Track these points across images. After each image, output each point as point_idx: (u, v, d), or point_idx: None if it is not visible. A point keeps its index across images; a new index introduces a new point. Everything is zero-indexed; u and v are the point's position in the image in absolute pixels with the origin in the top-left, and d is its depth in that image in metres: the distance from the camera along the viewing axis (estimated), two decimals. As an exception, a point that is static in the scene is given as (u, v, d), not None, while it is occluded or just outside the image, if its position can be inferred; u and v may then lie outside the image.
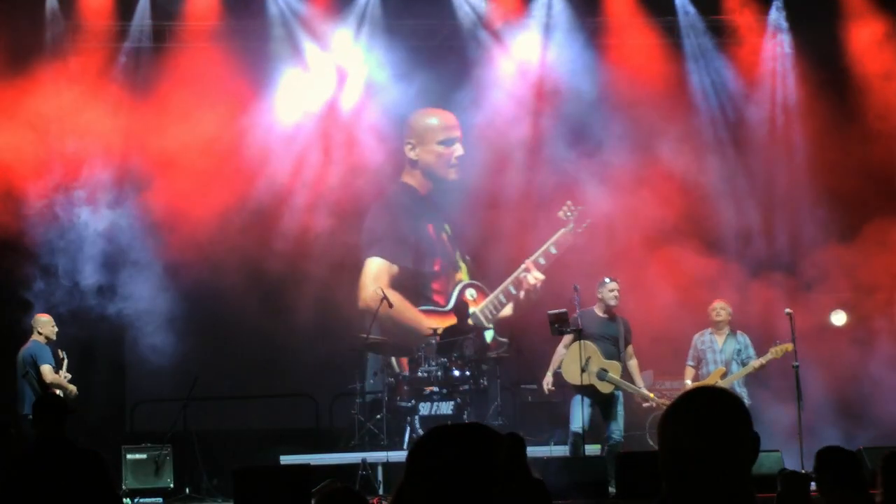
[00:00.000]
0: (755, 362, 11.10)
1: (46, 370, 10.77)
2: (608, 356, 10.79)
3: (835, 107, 13.34)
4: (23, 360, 10.83)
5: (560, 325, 10.83)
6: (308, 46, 13.80)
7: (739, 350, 11.28)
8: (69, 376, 10.95)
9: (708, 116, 14.05)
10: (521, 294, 14.18)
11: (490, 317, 14.23)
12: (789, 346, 11.00)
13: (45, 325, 11.05)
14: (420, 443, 2.41)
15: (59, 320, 11.49)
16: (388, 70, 13.67)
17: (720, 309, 11.39)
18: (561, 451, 11.12)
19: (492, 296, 14.26)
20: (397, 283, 14.22)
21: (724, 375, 11.11)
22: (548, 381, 11.11)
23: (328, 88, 13.88)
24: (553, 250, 14.16)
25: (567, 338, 11.01)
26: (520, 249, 14.13)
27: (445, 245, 14.45)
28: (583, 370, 10.65)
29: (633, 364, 11.08)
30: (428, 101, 13.94)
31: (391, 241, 14.31)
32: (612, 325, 10.93)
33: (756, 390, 11.52)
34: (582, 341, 10.76)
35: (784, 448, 10.68)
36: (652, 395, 11.25)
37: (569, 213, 14.10)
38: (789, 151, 13.97)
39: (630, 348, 11.10)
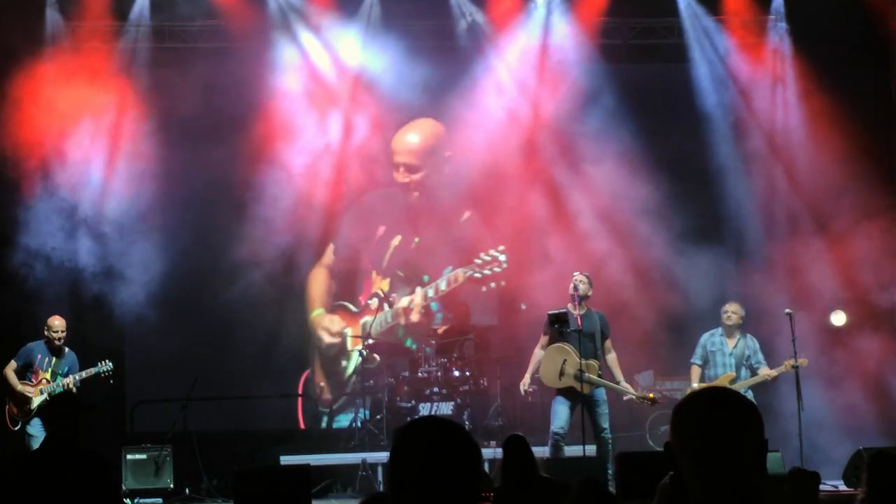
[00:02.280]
0: (767, 372, 11.05)
1: (9, 364, 11.03)
2: (587, 354, 10.64)
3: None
4: None
5: (560, 325, 10.80)
6: (308, 43, 13.80)
7: (749, 355, 11.24)
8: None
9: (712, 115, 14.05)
10: (402, 320, 13.87)
11: (372, 332, 13.85)
12: (804, 362, 10.97)
13: (48, 327, 11.13)
14: (401, 437, 2.42)
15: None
16: (388, 68, 13.63)
17: (731, 312, 11.32)
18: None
19: (381, 314, 13.88)
20: (332, 272, 14.05)
21: (732, 381, 11.05)
22: (525, 383, 11.08)
23: (329, 85, 13.90)
24: (443, 287, 13.90)
25: (544, 339, 10.97)
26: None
27: (389, 251, 14.15)
28: (561, 374, 10.64)
29: (611, 358, 11.00)
30: (426, 99, 13.90)
31: (347, 233, 14.11)
32: (587, 321, 10.84)
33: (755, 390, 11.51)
34: (558, 343, 10.74)
35: (784, 448, 10.70)
36: (634, 390, 11.22)
37: (487, 259, 13.68)
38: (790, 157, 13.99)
39: (608, 342, 11.02)
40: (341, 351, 13.96)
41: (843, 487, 10.49)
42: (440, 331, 13.59)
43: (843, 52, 13.47)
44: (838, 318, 13.20)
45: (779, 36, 14.08)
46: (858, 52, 13.59)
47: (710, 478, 2.40)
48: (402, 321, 13.82)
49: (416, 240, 14.10)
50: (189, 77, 13.06)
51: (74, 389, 10.91)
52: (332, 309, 14.03)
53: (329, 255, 14.06)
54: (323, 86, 13.87)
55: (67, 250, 12.87)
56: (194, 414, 11.94)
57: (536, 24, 14.03)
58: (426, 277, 13.97)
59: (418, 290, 13.90)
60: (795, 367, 11.02)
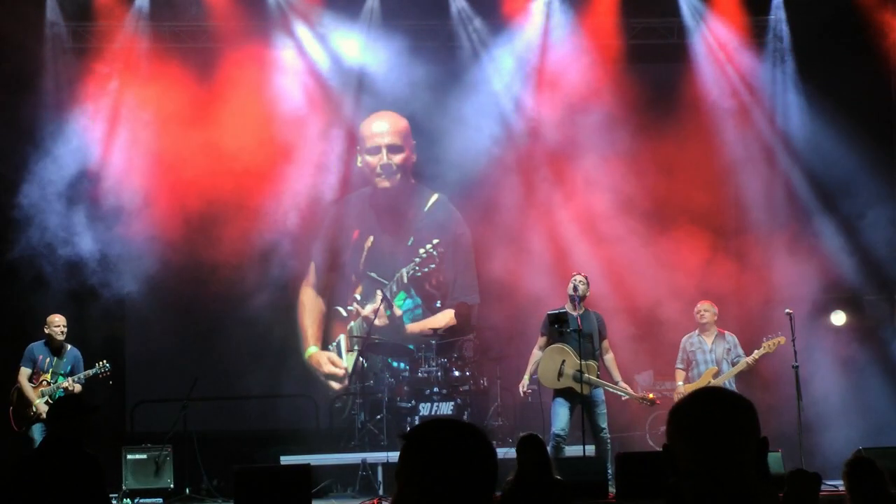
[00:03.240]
0: (747, 358, 11.10)
1: (21, 373, 10.95)
2: (585, 354, 10.64)
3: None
4: None
5: (560, 325, 10.79)
6: (308, 42, 13.81)
7: (729, 349, 11.27)
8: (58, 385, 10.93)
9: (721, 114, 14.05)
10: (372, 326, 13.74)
11: (353, 341, 13.91)
12: (782, 340, 10.99)
13: (48, 324, 11.08)
14: (416, 436, 2.39)
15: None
16: (388, 67, 13.64)
17: (704, 311, 11.36)
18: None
19: (358, 320, 14.00)
20: (319, 288, 14.06)
21: (716, 375, 11.09)
22: (524, 385, 11.06)
23: (328, 84, 13.91)
24: (394, 288, 13.94)
25: (542, 340, 10.98)
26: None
27: (363, 254, 14.16)
28: (560, 375, 10.64)
29: (609, 359, 11.02)
30: (424, 98, 13.90)
31: (324, 242, 14.11)
32: (586, 322, 10.83)
33: (755, 390, 11.51)
34: (557, 344, 10.74)
35: (784, 448, 10.69)
36: (632, 391, 11.20)
37: (424, 256, 13.91)
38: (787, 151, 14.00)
39: (605, 343, 11.03)
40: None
41: (842, 488, 10.46)
42: (434, 328, 13.60)
43: (842, 48, 13.47)
44: (838, 318, 13.20)
45: (779, 34, 14.08)
46: (855, 49, 13.57)
47: (708, 477, 2.40)
48: (373, 327, 13.71)
49: (387, 238, 14.16)
50: (188, 75, 13.08)
51: (76, 389, 10.89)
52: (325, 332, 14.05)
53: (311, 274, 14.06)
54: (322, 85, 13.88)
55: (67, 246, 12.83)
56: (194, 414, 11.94)
57: (537, 25, 14.03)
58: (398, 274, 14.01)
59: (378, 293, 13.91)
60: (795, 367, 11.03)
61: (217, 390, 12.85)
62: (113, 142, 13.33)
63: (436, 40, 13.92)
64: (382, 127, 14.20)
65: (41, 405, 10.79)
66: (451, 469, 2.32)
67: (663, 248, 13.22)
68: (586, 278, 11.06)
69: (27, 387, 10.91)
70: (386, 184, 14.22)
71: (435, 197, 14.24)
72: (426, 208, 14.27)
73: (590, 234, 13.48)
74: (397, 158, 14.21)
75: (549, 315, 10.94)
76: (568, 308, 10.90)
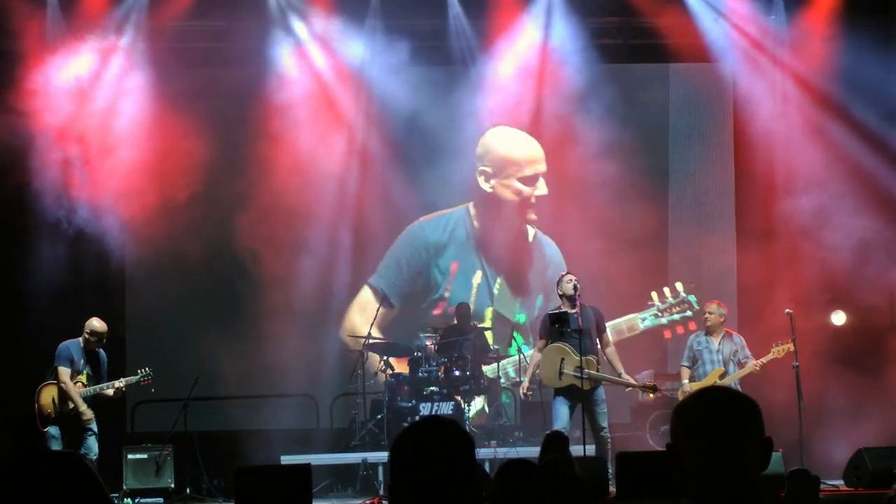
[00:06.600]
0: (756, 362, 11.10)
1: (61, 372, 10.59)
2: (584, 351, 10.64)
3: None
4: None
5: (560, 325, 10.80)
6: (309, 44, 13.82)
7: (736, 351, 11.29)
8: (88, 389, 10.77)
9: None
10: None
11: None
12: (791, 346, 11.01)
13: (91, 330, 10.72)
14: (404, 438, 2.47)
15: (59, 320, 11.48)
16: (387, 67, 13.65)
17: (709, 313, 11.39)
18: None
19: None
20: (387, 321, 13.78)
21: (722, 376, 11.11)
22: (524, 387, 11.09)
23: (330, 87, 13.92)
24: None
25: (540, 342, 10.99)
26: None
27: (470, 289, 13.96)
28: (560, 373, 10.65)
29: (610, 351, 11.02)
30: (424, 99, 13.91)
31: (396, 274, 13.89)
32: (584, 319, 10.77)
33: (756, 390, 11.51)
34: (556, 343, 10.76)
35: (784, 448, 10.69)
36: (634, 381, 11.19)
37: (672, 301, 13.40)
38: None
39: (605, 336, 11.04)
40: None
41: (843, 487, 10.50)
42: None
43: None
44: (838, 318, 13.20)
45: (778, 32, 14.10)
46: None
47: (711, 476, 2.41)
48: None
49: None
50: (187, 78, 13.10)
51: (112, 393, 10.70)
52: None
53: (367, 297, 13.87)
54: (324, 87, 13.89)
55: (66, 244, 12.84)
56: (195, 414, 11.95)
57: (536, 26, 14.03)
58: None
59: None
60: (796, 367, 11.05)
61: (217, 390, 12.84)
62: (111, 142, 13.32)
63: (436, 41, 13.91)
64: (537, 152, 13.94)
65: (85, 410, 10.51)
66: (437, 465, 2.40)
67: (664, 249, 13.23)
68: (570, 274, 11.08)
69: (71, 386, 10.52)
70: (534, 217, 13.99)
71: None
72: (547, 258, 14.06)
73: (593, 232, 13.48)
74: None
75: (549, 315, 10.94)
76: (566, 307, 10.90)
